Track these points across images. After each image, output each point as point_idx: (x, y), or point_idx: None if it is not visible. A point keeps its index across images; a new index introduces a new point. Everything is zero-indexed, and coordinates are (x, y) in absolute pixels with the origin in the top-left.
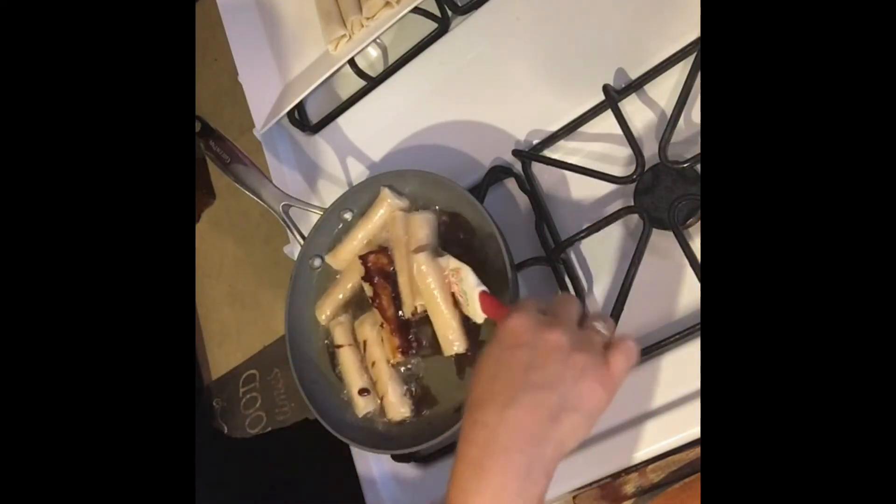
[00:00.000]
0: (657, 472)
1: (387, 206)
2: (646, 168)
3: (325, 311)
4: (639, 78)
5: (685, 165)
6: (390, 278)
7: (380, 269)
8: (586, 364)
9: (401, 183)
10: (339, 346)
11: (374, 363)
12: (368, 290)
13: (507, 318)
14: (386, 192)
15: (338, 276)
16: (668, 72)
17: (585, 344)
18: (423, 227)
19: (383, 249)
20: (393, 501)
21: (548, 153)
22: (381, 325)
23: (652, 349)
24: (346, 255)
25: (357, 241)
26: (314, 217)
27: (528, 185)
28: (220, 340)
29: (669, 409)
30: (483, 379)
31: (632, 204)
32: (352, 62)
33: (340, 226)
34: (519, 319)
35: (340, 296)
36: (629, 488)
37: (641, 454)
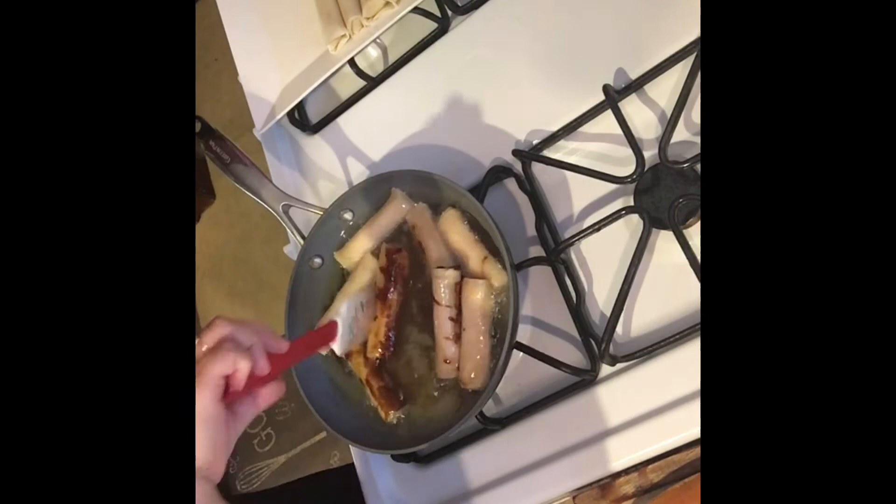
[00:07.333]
0: (657, 472)
1: (398, 207)
2: (646, 168)
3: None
4: (639, 78)
5: (685, 165)
6: (406, 283)
7: (400, 270)
8: None
9: (399, 183)
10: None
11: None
12: (380, 281)
13: None
14: (397, 192)
15: (347, 275)
16: (668, 72)
17: None
18: (453, 225)
19: (402, 250)
20: (393, 501)
21: (548, 153)
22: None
23: (652, 349)
24: (355, 254)
25: (366, 238)
26: (314, 217)
27: (528, 185)
28: None
29: (669, 409)
30: None
31: (632, 204)
32: (352, 62)
33: (341, 225)
34: None
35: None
36: (629, 488)
37: (641, 454)
